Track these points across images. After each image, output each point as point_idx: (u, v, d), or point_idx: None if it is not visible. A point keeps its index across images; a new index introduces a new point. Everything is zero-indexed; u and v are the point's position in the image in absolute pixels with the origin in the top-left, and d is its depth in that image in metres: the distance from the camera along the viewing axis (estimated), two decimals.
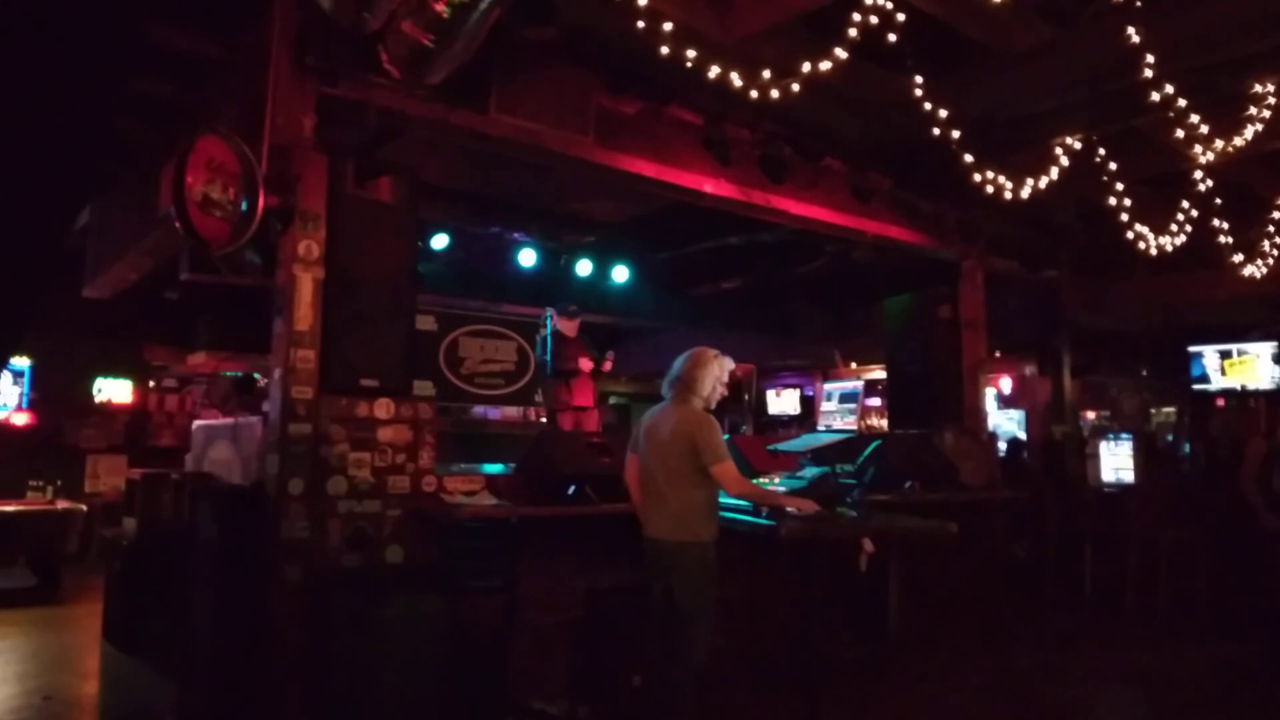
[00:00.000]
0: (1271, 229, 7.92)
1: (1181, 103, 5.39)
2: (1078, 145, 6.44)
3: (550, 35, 4.54)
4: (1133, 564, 7.37)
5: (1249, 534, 6.92)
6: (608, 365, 7.45)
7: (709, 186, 6.11)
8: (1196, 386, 10.05)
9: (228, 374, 10.83)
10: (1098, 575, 7.75)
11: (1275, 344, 9.47)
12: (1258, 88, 5.75)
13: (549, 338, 7.14)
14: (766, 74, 4.87)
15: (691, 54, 4.65)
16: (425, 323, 8.95)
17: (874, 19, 4.75)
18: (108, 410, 10.66)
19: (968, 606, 6.74)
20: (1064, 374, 9.39)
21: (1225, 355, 9.82)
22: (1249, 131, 5.88)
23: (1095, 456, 8.68)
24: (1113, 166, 6.65)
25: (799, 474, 4.91)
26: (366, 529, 4.42)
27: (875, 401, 11.90)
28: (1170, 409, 12.07)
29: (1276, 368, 9.46)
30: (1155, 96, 5.32)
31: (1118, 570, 7.50)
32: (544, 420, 9.22)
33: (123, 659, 5.74)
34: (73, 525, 7.50)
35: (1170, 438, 11.56)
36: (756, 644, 5.19)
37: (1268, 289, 8.40)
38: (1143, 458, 8.34)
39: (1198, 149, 5.87)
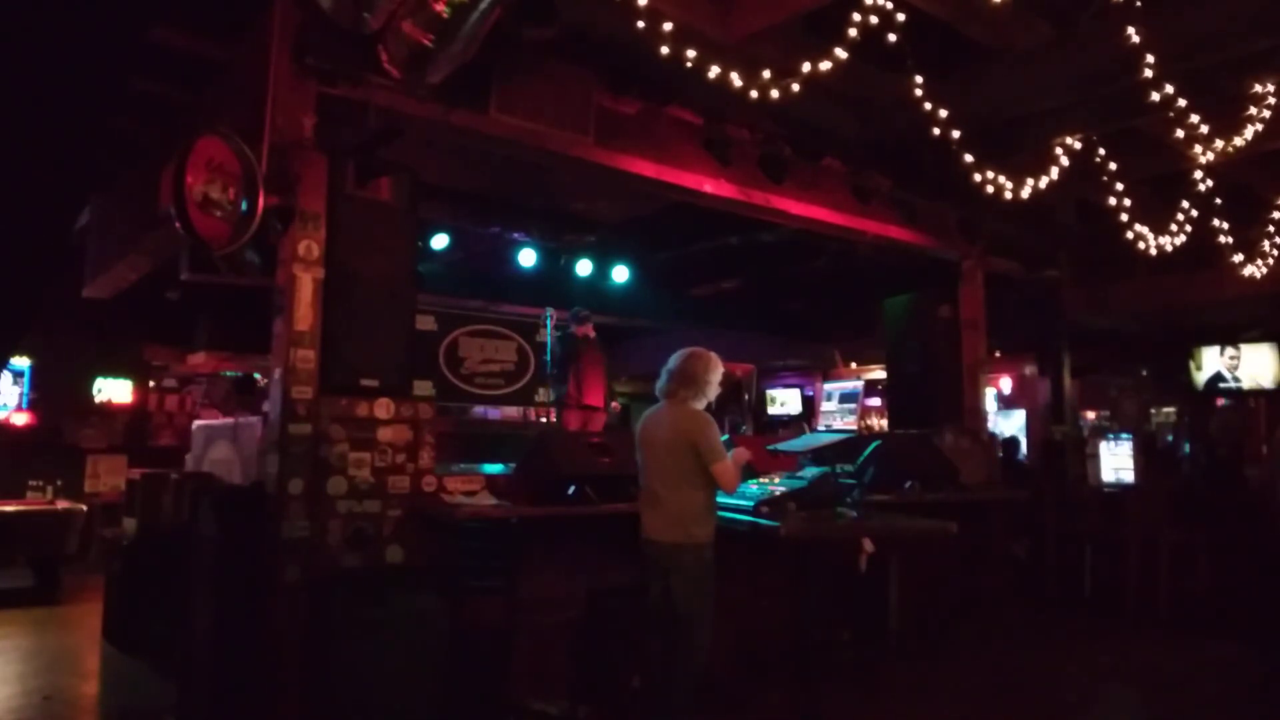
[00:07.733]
0: (1271, 229, 7.92)
1: (1181, 103, 5.39)
2: (1078, 145, 6.44)
3: (550, 35, 4.53)
4: (1133, 564, 7.36)
5: (1250, 534, 6.91)
6: (616, 405, 7.92)
7: (709, 186, 6.11)
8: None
9: (228, 374, 10.83)
10: (1098, 575, 7.74)
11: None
12: (1258, 88, 5.76)
13: (560, 339, 7.20)
14: (766, 74, 4.87)
15: (691, 54, 4.65)
16: (425, 323, 8.94)
17: (874, 19, 4.75)
18: (108, 410, 10.66)
19: (967, 606, 6.75)
20: (1064, 374, 9.39)
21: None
22: (1249, 131, 5.88)
23: (1095, 456, 8.66)
24: (1113, 166, 6.65)
25: (799, 474, 4.90)
26: (366, 529, 4.41)
27: (875, 401, 11.89)
28: (1170, 409, 12.07)
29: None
30: (1155, 96, 5.32)
31: (1117, 570, 7.49)
32: (544, 420, 9.25)
33: (123, 659, 5.74)
34: (73, 525, 7.50)
35: (1170, 438, 11.56)
36: (756, 644, 5.19)
37: (1268, 289, 8.39)
38: (1143, 458, 8.32)
39: (1198, 149, 5.87)
